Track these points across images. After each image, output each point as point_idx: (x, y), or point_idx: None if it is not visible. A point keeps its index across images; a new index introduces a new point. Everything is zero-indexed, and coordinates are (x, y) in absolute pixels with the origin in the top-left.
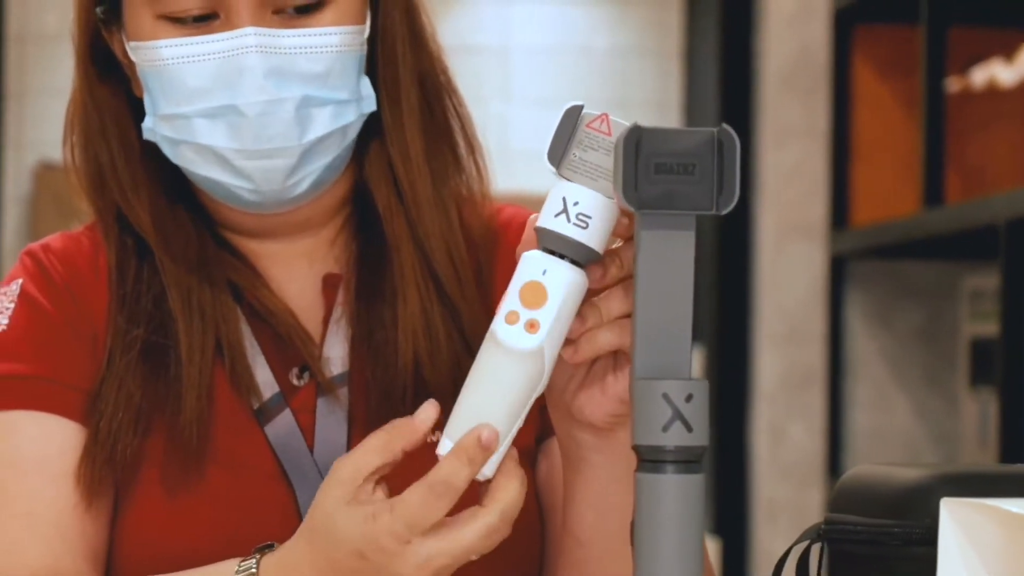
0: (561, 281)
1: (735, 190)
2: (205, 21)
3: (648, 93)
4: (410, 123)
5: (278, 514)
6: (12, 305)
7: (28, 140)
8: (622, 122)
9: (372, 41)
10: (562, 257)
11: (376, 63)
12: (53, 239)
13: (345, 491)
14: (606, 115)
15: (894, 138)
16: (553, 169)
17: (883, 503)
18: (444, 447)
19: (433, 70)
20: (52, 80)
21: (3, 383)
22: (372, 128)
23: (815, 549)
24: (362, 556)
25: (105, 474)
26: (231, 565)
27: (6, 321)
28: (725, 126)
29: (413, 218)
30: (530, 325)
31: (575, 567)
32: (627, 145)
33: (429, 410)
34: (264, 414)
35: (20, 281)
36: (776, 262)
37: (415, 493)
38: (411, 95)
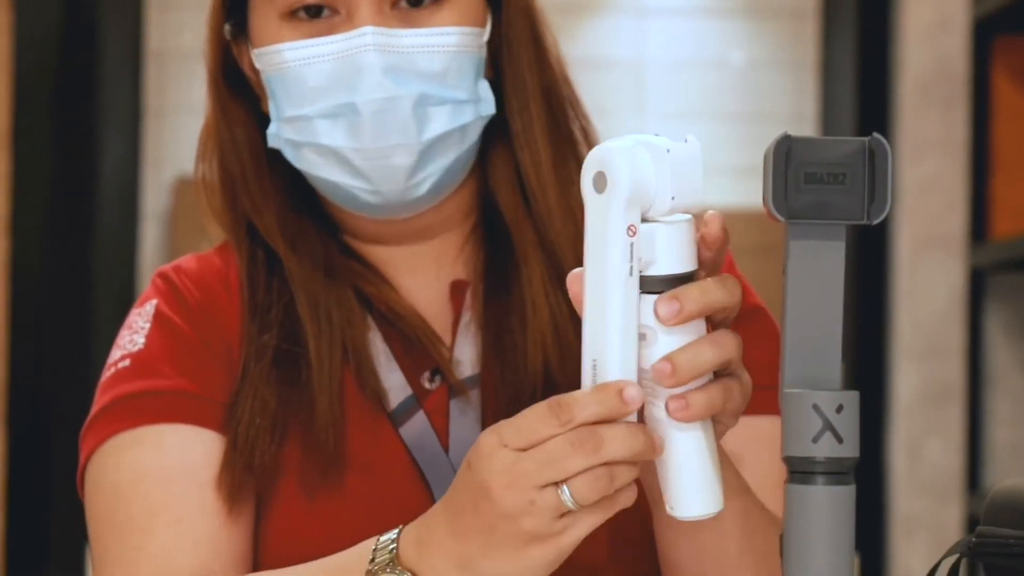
0: None
1: (887, 199)
2: (326, 18)
3: (784, 106)
4: (539, 130)
5: (417, 515)
6: (147, 325)
7: (167, 156)
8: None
9: (497, 49)
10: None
11: (501, 71)
12: (183, 260)
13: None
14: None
15: None
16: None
17: None
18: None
19: (556, 80)
20: (190, 97)
21: (145, 399)
22: (496, 137)
23: (965, 563)
24: (468, 468)
25: (245, 480)
26: (373, 540)
27: (142, 340)
28: (876, 135)
29: (542, 225)
30: None
31: None
32: (777, 154)
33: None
34: (398, 417)
35: (154, 302)
36: (914, 275)
37: (535, 408)
38: (538, 102)
